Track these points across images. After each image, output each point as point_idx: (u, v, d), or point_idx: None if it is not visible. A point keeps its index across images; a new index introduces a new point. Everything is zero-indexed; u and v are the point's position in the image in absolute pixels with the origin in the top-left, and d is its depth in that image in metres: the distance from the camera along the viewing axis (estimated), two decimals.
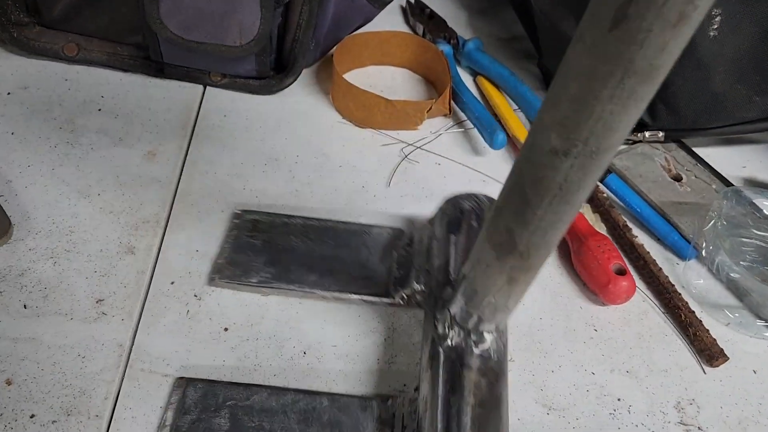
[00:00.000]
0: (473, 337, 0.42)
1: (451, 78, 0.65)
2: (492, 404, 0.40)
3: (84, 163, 0.56)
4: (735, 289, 0.55)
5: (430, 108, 0.62)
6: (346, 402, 0.43)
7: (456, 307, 0.41)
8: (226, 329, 0.47)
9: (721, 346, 0.50)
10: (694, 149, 0.66)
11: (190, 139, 0.60)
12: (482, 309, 0.40)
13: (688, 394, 0.49)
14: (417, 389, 0.43)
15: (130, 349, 0.45)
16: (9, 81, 0.62)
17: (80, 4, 0.61)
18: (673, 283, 0.54)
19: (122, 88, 0.63)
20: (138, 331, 0.47)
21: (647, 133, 0.64)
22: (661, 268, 0.55)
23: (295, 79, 0.64)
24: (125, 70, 0.64)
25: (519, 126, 0.63)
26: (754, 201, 0.55)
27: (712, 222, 0.55)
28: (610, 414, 0.47)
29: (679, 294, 0.53)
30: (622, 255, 0.54)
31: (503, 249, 0.35)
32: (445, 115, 0.66)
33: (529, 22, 0.71)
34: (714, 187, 0.62)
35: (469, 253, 0.40)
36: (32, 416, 0.41)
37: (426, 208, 0.56)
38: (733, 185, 0.62)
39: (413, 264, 0.50)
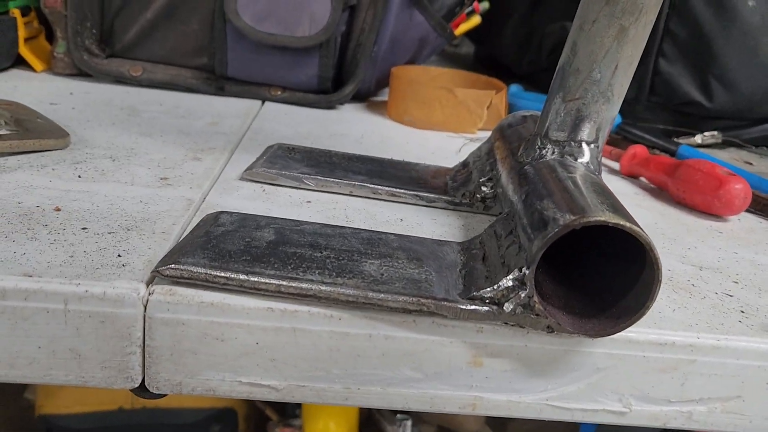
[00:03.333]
0: (569, 149, 0.35)
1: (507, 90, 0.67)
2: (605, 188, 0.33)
3: (146, 123, 0.54)
4: None
5: (490, 103, 0.63)
6: (419, 239, 0.35)
7: (549, 119, 0.36)
8: (309, 201, 0.41)
9: None
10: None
11: (252, 120, 0.59)
12: (584, 96, 0.34)
13: None
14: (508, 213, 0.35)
15: (201, 203, 0.39)
16: (72, 87, 0.63)
17: (149, 30, 0.65)
18: None
19: (183, 99, 0.64)
20: (209, 194, 0.40)
21: (706, 134, 0.65)
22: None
23: (355, 87, 0.65)
24: (187, 89, 0.65)
25: None
26: None
27: None
28: None
29: None
30: None
31: None
32: None
33: None
34: None
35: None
36: (84, 228, 0.33)
37: None
38: None
39: (472, 169, 0.45)
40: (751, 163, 0.62)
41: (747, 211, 0.50)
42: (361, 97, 0.71)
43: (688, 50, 0.62)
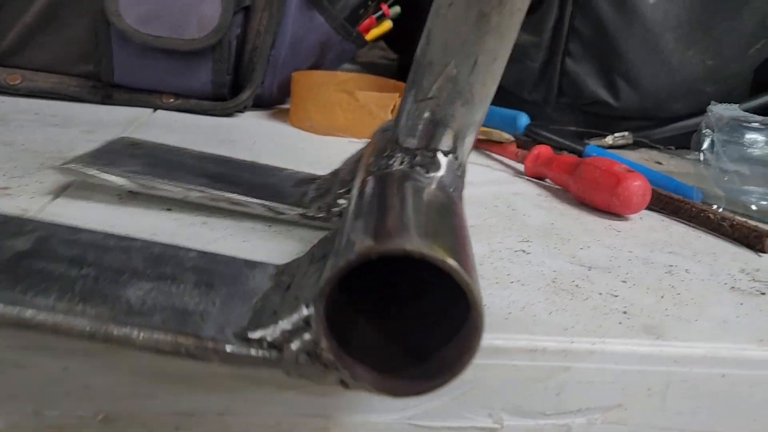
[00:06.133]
0: (420, 159, 0.30)
1: None
2: (451, 208, 0.28)
3: (11, 132, 0.49)
4: (763, 215, 0.49)
5: (395, 106, 0.60)
6: (228, 259, 0.28)
7: (400, 122, 0.30)
8: (128, 204, 0.37)
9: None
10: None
11: (135, 128, 0.55)
12: (438, 95, 0.29)
13: (749, 267, 0.39)
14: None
15: (40, 213, 0.34)
16: None
17: (29, 35, 0.60)
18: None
19: (65, 108, 0.59)
20: (55, 202, 0.36)
21: (616, 134, 0.63)
22: (670, 193, 0.49)
23: (252, 93, 0.61)
24: (71, 98, 0.61)
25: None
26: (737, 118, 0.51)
27: (709, 152, 0.51)
28: (666, 272, 0.37)
29: (700, 204, 0.47)
30: None
31: None
32: None
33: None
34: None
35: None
36: None
37: None
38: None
39: (337, 178, 0.39)
40: (660, 163, 0.61)
41: (650, 209, 0.48)
42: (264, 105, 0.67)
43: (594, 48, 0.60)
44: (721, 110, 0.51)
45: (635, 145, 0.65)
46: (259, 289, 0.26)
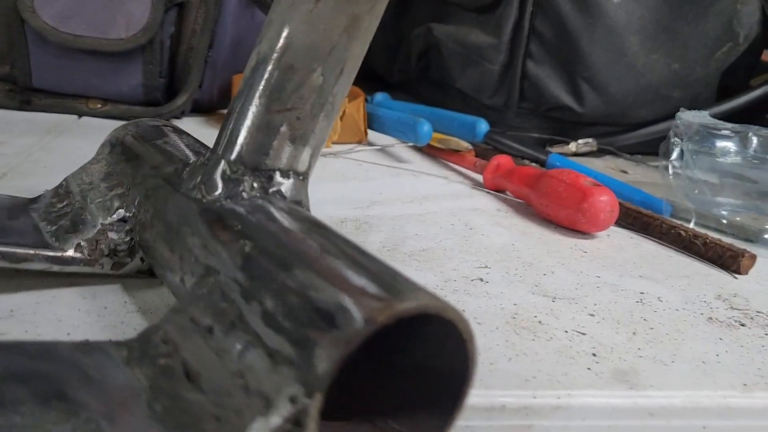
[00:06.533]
0: (275, 182, 0.25)
1: (366, 100, 0.60)
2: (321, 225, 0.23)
3: None
4: (737, 230, 0.46)
5: (344, 113, 0.56)
6: (46, 347, 0.20)
7: (243, 136, 0.25)
8: None
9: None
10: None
11: (53, 138, 0.49)
12: (299, 106, 0.25)
13: (726, 291, 0.36)
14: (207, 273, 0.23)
15: None
16: None
17: None
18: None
19: None
20: None
21: (580, 141, 0.60)
22: (639, 208, 0.45)
23: (189, 98, 0.56)
24: None
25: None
26: (706, 126, 0.48)
27: (678, 161, 0.48)
28: (637, 301, 0.33)
29: (670, 219, 0.43)
30: None
31: None
32: (359, 141, 0.59)
33: None
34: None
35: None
36: None
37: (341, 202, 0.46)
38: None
39: (82, 203, 0.30)
40: (626, 172, 0.58)
41: (618, 224, 0.44)
42: (204, 109, 0.62)
43: (556, 51, 0.57)
44: (690, 117, 0.48)
45: (600, 153, 0.61)
46: (129, 385, 0.19)
